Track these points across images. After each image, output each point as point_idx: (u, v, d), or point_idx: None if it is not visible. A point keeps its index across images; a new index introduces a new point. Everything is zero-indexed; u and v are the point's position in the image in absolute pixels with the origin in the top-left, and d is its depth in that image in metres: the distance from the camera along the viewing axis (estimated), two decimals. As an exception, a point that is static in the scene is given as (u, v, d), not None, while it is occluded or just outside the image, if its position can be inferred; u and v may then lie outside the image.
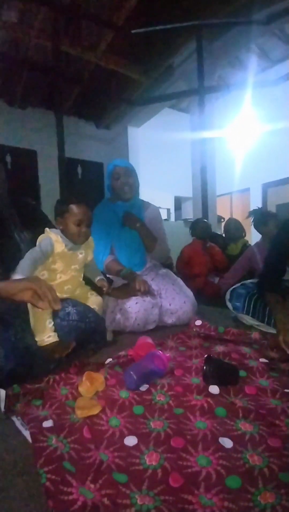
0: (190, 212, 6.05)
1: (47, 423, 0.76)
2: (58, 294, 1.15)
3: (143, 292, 1.57)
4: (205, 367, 0.94)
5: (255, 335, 1.33)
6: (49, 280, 1.15)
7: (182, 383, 0.95)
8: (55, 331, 1.10)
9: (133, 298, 1.57)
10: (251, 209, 2.53)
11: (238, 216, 6.39)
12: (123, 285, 1.66)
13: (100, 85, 4.58)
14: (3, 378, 0.93)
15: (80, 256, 1.26)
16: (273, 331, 1.38)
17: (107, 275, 1.77)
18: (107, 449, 0.68)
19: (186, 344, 1.32)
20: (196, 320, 1.51)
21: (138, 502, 0.55)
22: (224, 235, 3.37)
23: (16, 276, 1.02)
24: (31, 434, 0.73)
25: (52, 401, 0.87)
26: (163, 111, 5.52)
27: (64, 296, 1.21)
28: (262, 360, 1.09)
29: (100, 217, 1.69)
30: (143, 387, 0.93)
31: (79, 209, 1.18)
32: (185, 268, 2.83)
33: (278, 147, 5.70)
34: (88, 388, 0.89)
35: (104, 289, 1.38)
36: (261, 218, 2.31)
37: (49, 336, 1.08)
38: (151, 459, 0.65)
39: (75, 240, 1.20)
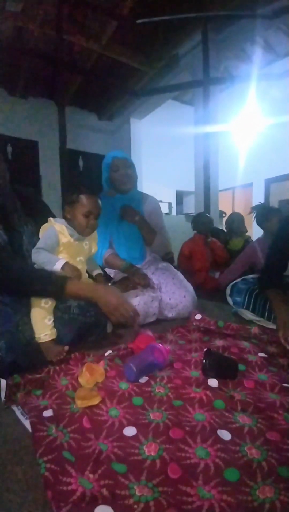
0: (191, 207, 6.03)
1: (47, 413, 0.77)
2: None
3: (143, 286, 1.57)
4: (204, 361, 0.95)
5: (254, 330, 1.33)
6: None
7: (181, 376, 0.95)
8: (54, 327, 1.09)
9: (133, 291, 1.57)
10: (253, 205, 2.51)
11: (240, 211, 6.35)
12: (123, 279, 1.66)
13: (103, 75, 4.51)
14: (3, 369, 0.93)
15: (86, 247, 1.24)
16: (273, 326, 1.38)
17: (106, 270, 1.77)
18: (106, 439, 0.69)
19: (186, 338, 1.32)
20: (196, 314, 1.51)
21: (137, 493, 0.55)
22: (225, 230, 3.36)
23: (60, 262, 1.07)
24: (31, 423, 0.73)
25: (53, 391, 0.88)
26: (167, 103, 5.45)
27: None
28: (261, 354, 1.09)
29: None
30: (143, 379, 0.94)
31: (90, 200, 1.16)
32: (186, 263, 2.83)
33: (282, 142, 5.65)
34: (88, 379, 0.89)
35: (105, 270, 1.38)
36: (263, 213, 2.30)
37: (46, 334, 1.06)
38: (150, 450, 0.65)
39: (82, 231, 1.18)
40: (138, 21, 3.30)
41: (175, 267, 2.08)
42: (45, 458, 0.63)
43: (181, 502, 0.54)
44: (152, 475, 0.60)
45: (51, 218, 1.17)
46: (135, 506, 0.53)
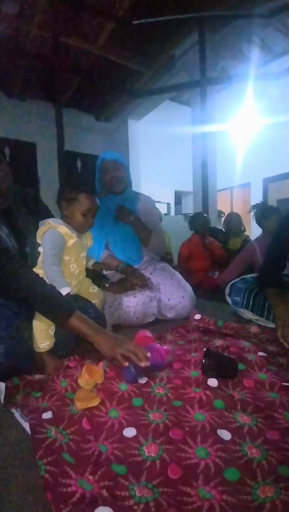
0: (190, 207, 6.03)
1: (47, 415, 0.76)
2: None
3: (141, 286, 1.57)
4: (204, 360, 0.95)
5: (254, 329, 1.33)
6: (65, 274, 1.11)
7: (180, 376, 0.95)
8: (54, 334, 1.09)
9: (131, 292, 1.57)
10: (252, 204, 2.51)
11: (239, 210, 6.37)
12: (121, 280, 1.66)
13: (100, 76, 4.52)
14: (3, 373, 0.93)
15: (85, 243, 1.24)
16: (272, 325, 1.38)
17: (104, 271, 1.76)
18: (106, 441, 0.69)
19: (185, 338, 1.32)
20: (195, 314, 1.50)
21: (137, 494, 0.55)
22: (224, 229, 3.37)
23: (64, 290, 1.00)
24: (31, 425, 0.73)
25: (52, 393, 0.87)
26: (164, 104, 5.46)
27: (75, 290, 1.19)
28: (260, 353, 1.09)
29: None
30: (142, 380, 0.93)
31: (89, 199, 1.15)
32: (184, 263, 2.83)
33: (279, 141, 5.67)
34: (88, 380, 0.89)
35: (103, 271, 1.35)
36: (263, 212, 2.29)
37: (46, 344, 1.05)
38: (149, 451, 0.65)
39: (79, 230, 1.17)
40: (135, 22, 3.31)
41: (175, 267, 2.08)
42: (44, 460, 0.62)
43: (181, 502, 0.54)
44: (152, 476, 0.59)
45: (50, 221, 1.13)
46: (136, 507, 0.53)
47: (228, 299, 1.74)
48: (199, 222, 2.87)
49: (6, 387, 0.87)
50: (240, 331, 1.34)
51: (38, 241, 1.13)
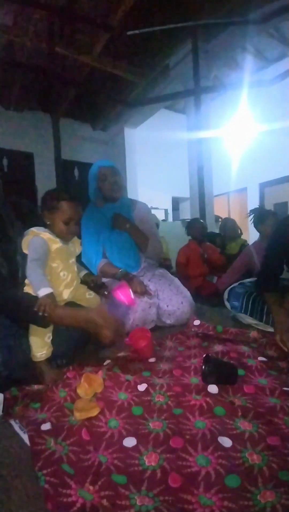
0: (187, 213, 6.06)
1: (46, 426, 0.76)
2: (63, 296, 1.14)
3: (140, 293, 1.56)
4: (203, 367, 0.94)
5: (253, 334, 1.33)
6: (54, 282, 1.11)
7: (180, 383, 0.95)
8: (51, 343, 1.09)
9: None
10: (249, 209, 2.52)
11: (236, 215, 6.40)
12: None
13: (96, 86, 4.58)
14: (1, 384, 0.92)
15: (72, 249, 1.23)
16: (272, 330, 1.38)
17: (102, 279, 1.76)
18: (106, 451, 0.68)
19: (185, 344, 1.32)
20: (194, 320, 1.50)
21: (138, 503, 0.55)
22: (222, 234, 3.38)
23: (43, 290, 0.99)
24: (29, 437, 0.72)
25: (51, 403, 0.87)
26: (159, 112, 5.53)
27: (70, 297, 1.18)
28: (260, 358, 1.09)
29: (89, 223, 1.67)
30: (142, 387, 0.93)
31: (70, 207, 1.13)
32: (182, 269, 2.83)
33: (274, 146, 5.72)
34: (87, 389, 0.88)
35: (96, 282, 1.35)
36: (260, 216, 2.30)
37: (43, 353, 1.05)
38: (150, 460, 0.65)
39: (62, 237, 1.16)
40: (129, 32, 3.37)
41: (173, 273, 2.08)
42: (44, 471, 0.62)
43: (182, 510, 0.54)
44: (152, 485, 0.59)
45: (33, 229, 1.11)
46: (136, 517, 0.53)
47: (227, 304, 1.74)
48: (195, 228, 2.88)
49: (5, 398, 0.86)
50: (239, 336, 1.34)
51: (25, 251, 1.11)
